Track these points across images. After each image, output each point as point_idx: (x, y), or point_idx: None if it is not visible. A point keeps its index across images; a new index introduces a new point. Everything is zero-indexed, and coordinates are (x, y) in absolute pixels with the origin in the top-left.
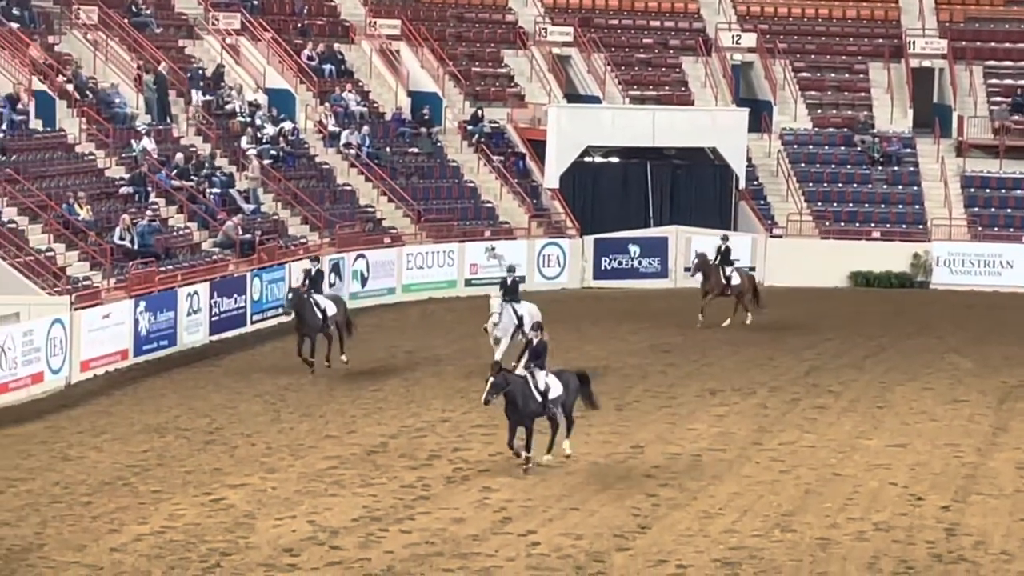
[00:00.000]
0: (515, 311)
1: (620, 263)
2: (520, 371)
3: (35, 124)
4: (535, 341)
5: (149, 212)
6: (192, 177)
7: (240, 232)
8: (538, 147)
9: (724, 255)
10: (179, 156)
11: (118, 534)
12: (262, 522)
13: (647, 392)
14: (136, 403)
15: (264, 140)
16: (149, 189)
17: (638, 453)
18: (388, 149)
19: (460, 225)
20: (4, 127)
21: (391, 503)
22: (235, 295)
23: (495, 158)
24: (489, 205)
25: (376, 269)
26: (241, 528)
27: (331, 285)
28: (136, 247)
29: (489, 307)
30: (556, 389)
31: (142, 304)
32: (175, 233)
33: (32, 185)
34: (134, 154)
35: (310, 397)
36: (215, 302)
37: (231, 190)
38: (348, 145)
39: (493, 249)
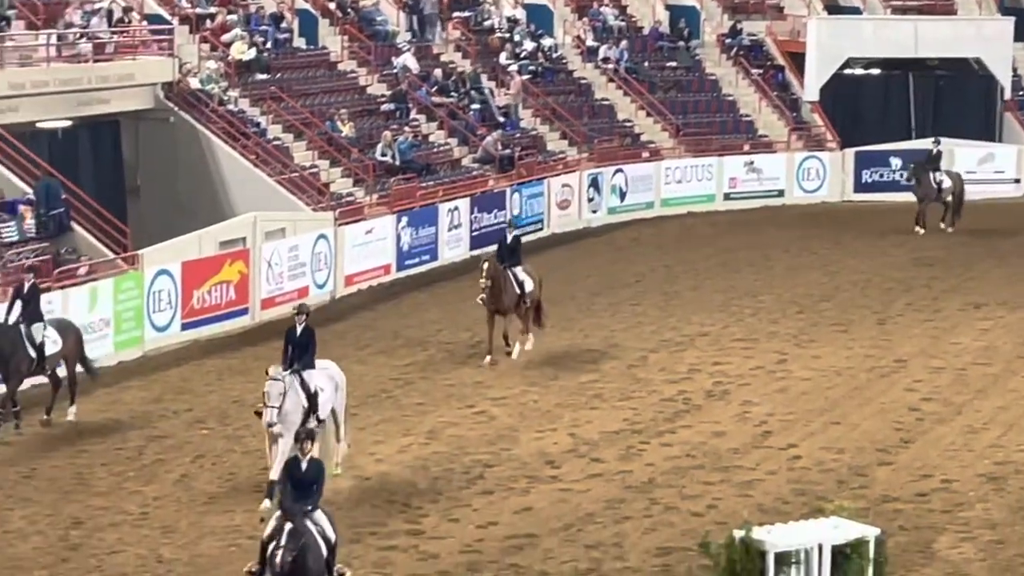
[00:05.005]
0: (304, 385)
1: (881, 176)
2: None
3: (298, 42)
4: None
5: (409, 128)
6: (452, 93)
7: (500, 148)
8: (797, 59)
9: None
10: (437, 72)
11: (383, 445)
12: (524, 434)
13: (910, 306)
14: (399, 317)
15: (523, 56)
16: (410, 106)
17: (901, 367)
18: (646, 63)
19: (719, 139)
20: (269, 45)
21: (651, 416)
22: (495, 210)
23: (754, 71)
24: (748, 119)
25: (634, 184)
26: (503, 440)
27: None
28: (397, 163)
29: (265, 393)
30: None
31: (404, 219)
32: (435, 149)
33: (296, 103)
34: (395, 71)
35: (569, 311)
36: (475, 217)
37: (491, 105)
38: (606, 60)
39: (752, 163)
